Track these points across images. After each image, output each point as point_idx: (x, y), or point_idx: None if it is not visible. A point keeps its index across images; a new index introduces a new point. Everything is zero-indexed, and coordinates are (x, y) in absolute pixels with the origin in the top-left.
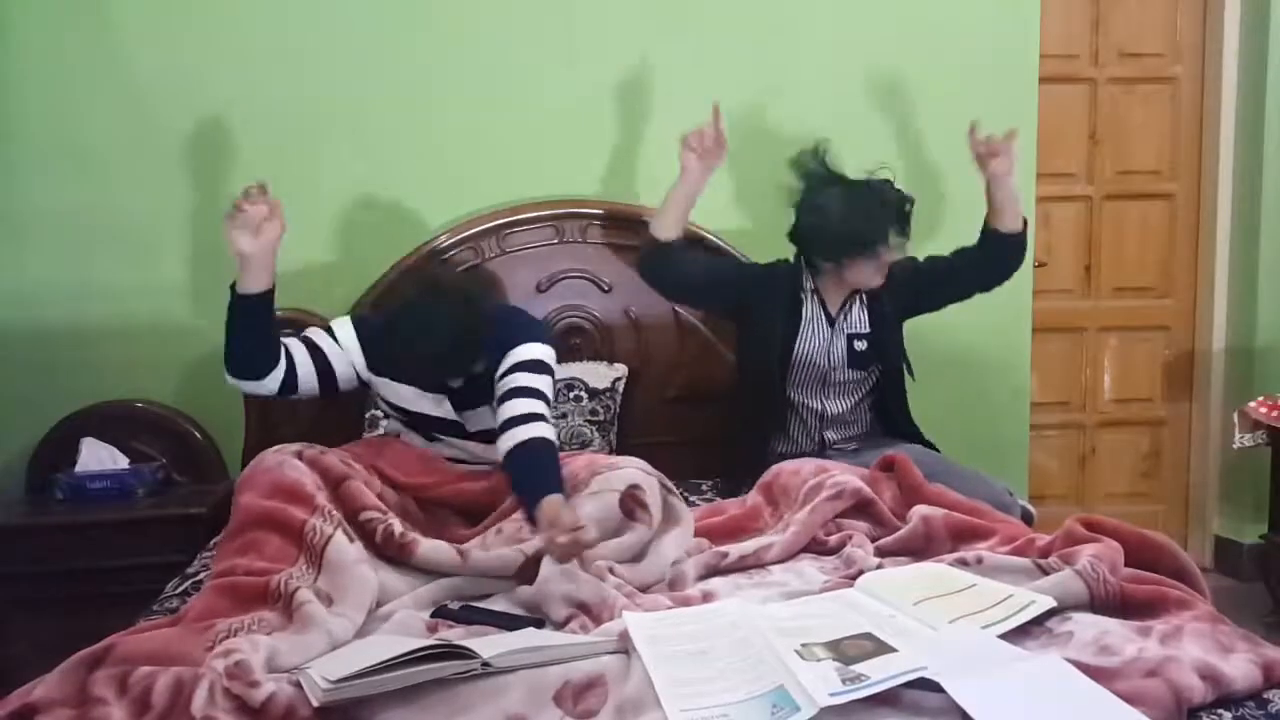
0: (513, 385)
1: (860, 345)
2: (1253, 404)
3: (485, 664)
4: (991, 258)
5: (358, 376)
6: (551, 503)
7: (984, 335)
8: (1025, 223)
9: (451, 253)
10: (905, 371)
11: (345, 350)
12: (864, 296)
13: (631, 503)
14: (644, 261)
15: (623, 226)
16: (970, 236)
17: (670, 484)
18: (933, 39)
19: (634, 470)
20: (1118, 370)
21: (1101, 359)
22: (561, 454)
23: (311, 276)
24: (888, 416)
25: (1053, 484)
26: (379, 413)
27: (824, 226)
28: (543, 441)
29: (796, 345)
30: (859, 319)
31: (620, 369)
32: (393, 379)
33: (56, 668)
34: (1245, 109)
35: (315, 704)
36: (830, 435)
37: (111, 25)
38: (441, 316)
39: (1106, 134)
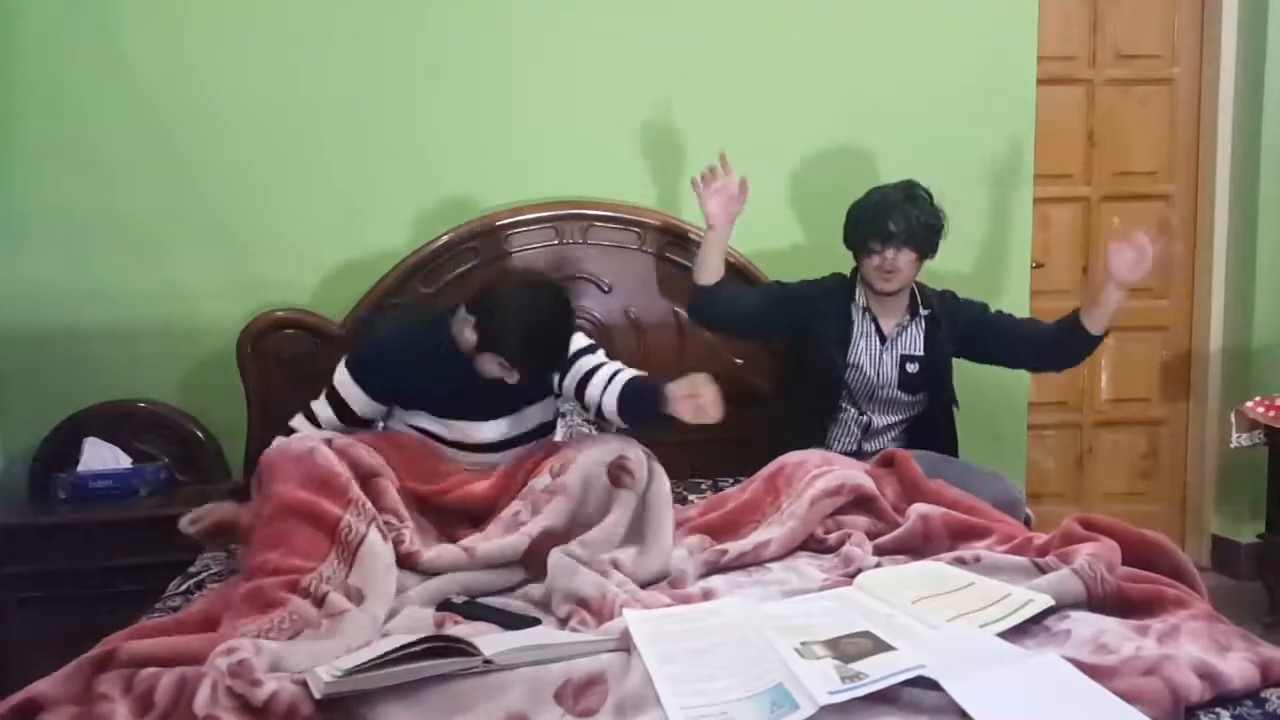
0: (586, 369)
1: (912, 367)
2: (1250, 404)
3: (486, 661)
4: (1064, 348)
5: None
6: (670, 385)
7: None
8: (1108, 331)
9: (452, 253)
10: (952, 402)
11: (347, 399)
12: (923, 321)
13: (618, 470)
14: (693, 306)
15: (623, 228)
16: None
17: (652, 455)
18: (931, 41)
19: (618, 442)
20: (1115, 370)
21: (1099, 359)
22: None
23: (313, 277)
24: (933, 445)
25: (1050, 483)
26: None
27: (848, 216)
28: (632, 377)
29: (850, 355)
30: (913, 340)
31: None
32: (405, 406)
33: (64, 666)
34: (1242, 111)
35: (318, 696)
36: (867, 447)
37: (112, 25)
38: (546, 301)
39: (1104, 135)
